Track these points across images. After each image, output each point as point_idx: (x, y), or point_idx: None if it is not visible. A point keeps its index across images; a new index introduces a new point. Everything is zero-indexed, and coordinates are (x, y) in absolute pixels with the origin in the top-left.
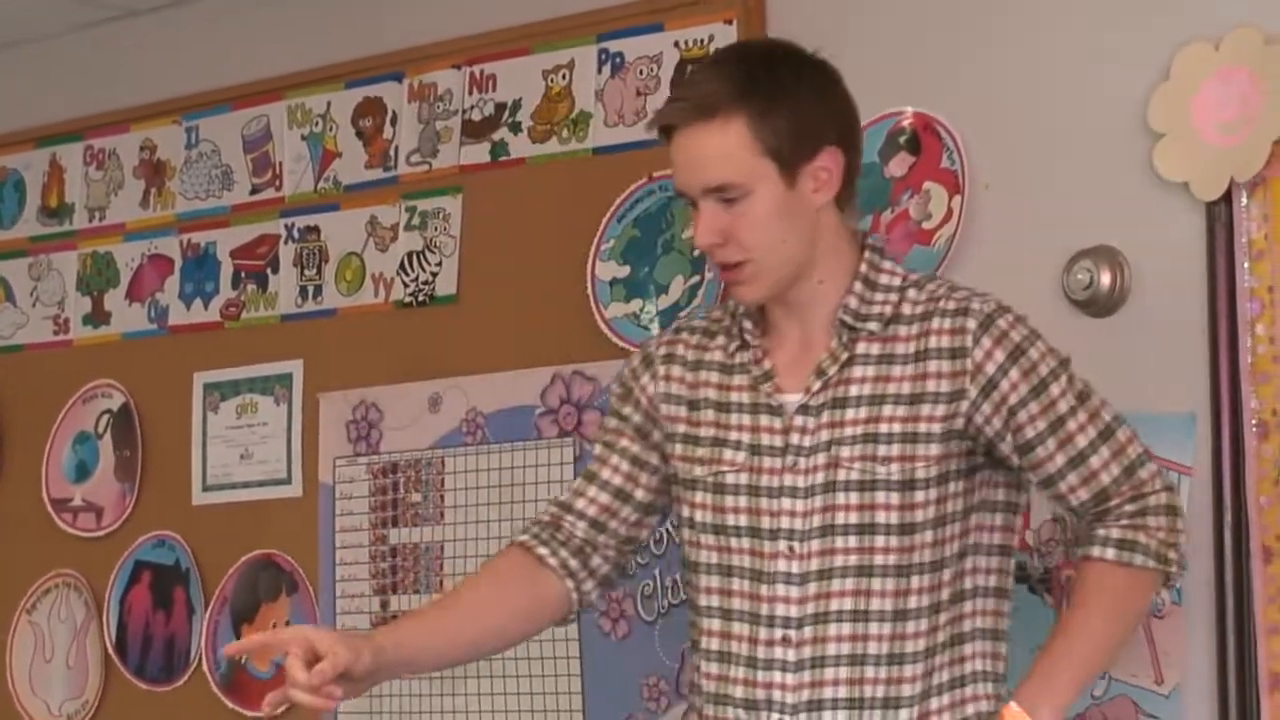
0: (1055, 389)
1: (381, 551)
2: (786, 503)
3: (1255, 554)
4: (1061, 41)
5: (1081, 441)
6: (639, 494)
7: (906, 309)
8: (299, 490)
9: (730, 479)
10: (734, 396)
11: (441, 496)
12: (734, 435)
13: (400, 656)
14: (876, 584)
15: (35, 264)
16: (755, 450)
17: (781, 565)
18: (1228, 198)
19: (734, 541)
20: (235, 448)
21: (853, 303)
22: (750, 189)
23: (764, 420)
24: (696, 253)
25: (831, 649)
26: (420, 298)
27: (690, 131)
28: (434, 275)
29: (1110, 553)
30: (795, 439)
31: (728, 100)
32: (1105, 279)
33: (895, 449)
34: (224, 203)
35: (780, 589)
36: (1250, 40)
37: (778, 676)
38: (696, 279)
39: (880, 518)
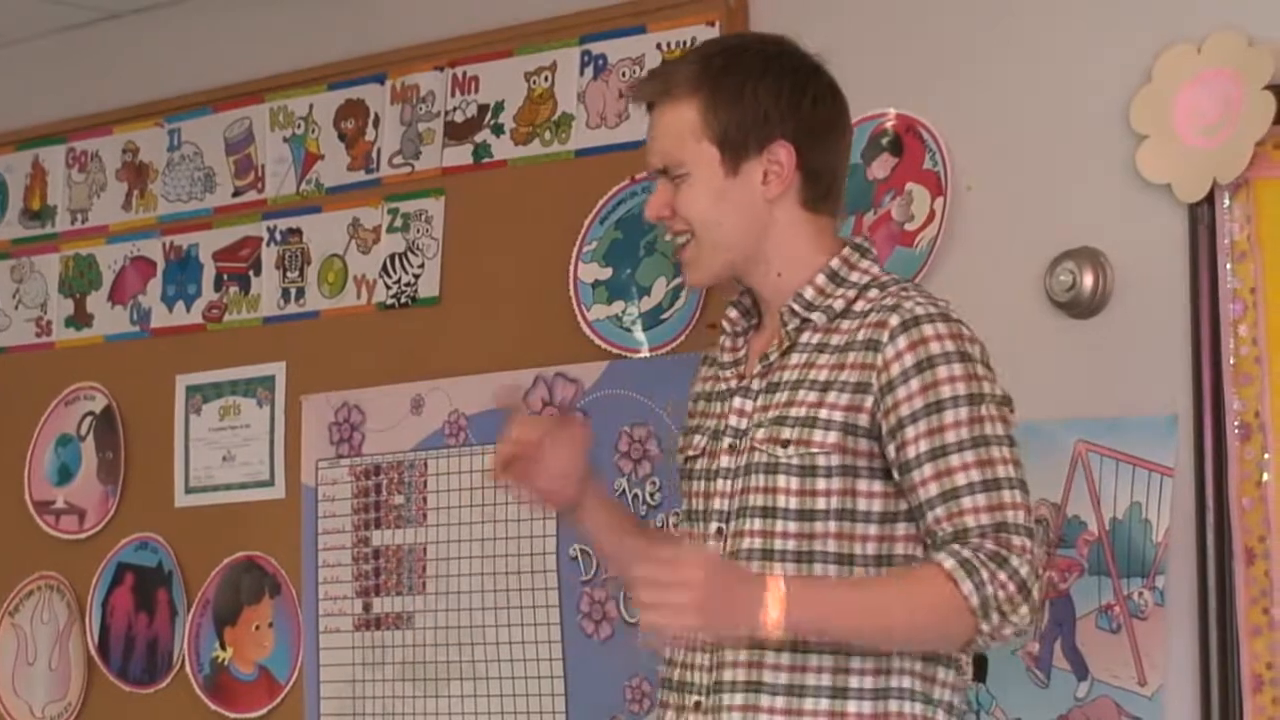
0: (950, 416)
1: (364, 553)
2: (720, 484)
3: (1238, 555)
4: (1044, 44)
5: (960, 480)
6: None
7: (859, 305)
8: (281, 492)
9: (695, 465)
10: (717, 387)
11: (424, 498)
12: (703, 422)
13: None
14: (777, 568)
15: (17, 266)
16: (714, 435)
17: (712, 546)
18: (1210, 199)
19: (695, 526)
20: (218, 450)
21: (808, 293)
22: (689, 171)
23: (716, 407)
24: None
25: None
26: (403, 299)
27: (656, 112)
28: (416, 277)
29: (949, 562)
30: (732, 421)
31: (685, 84)
32: (1088, 280)
33: (795, 433)
34: (206, 205)
35: None
36: (1232, 42)
37: (696, 657)
38: (679, 281)
39: (780, 501)
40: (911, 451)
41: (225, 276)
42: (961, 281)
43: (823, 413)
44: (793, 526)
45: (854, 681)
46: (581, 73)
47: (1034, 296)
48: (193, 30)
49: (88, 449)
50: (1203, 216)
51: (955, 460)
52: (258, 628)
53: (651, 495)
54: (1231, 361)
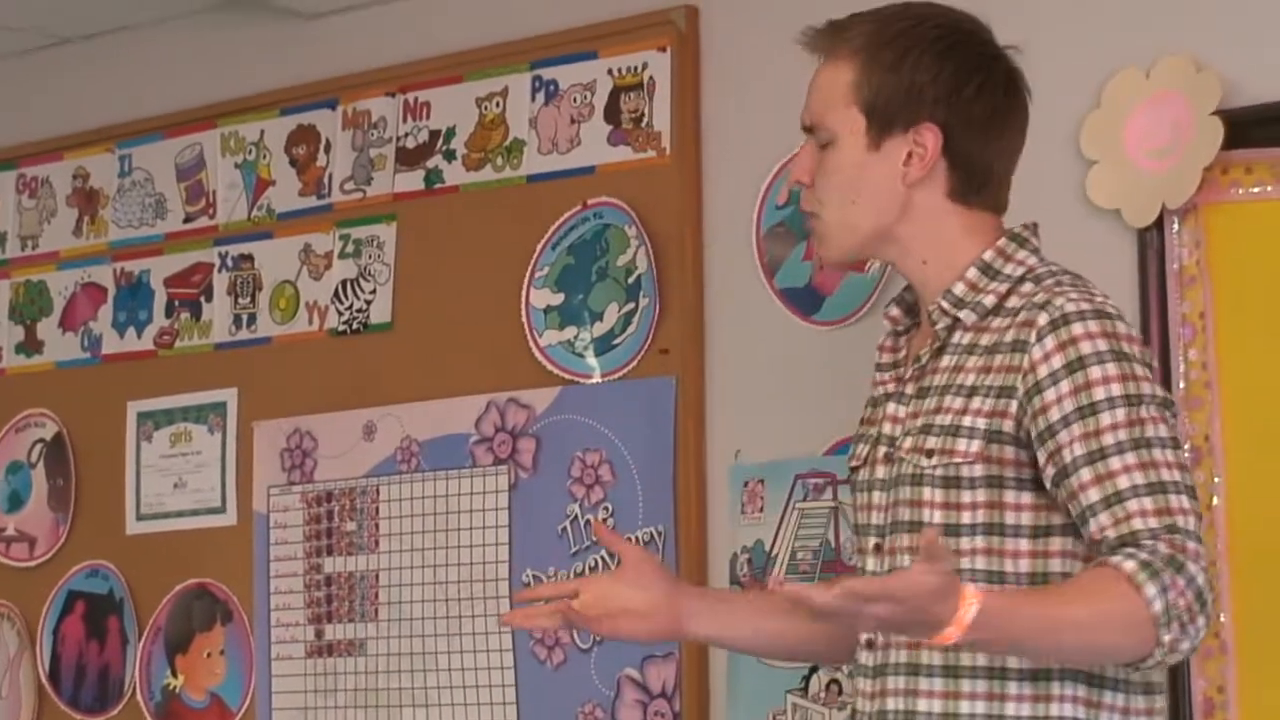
0: (1106, 419)
1: (316, 580)
2: (876, 496)
3: None
4: None
5: (1123, 483)
6: None
7: (1012, 301)
8: (233, 519)
9: (857, 475)
10: (876, 391)
11: (376, 525)
12: (867, 430)
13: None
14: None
15: None
16: (873, 443)
17: (870, 564)
18: (1159, 224)
19: (861, 540)
20: (169, 477)
21: (958, 289)
22: (835, 136)
23: (877, 413)
24: (631, 280)
25: (892, 657)
26: (354, 325)
27: (819, 69)
28: (368, 303)
29: (1129, 565)
30: (886, 429)
31: (848, 45)
32: None
33: (939, 441)
34: (157, 231)
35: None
36: (1181, 67)
37: (860, 683)
38: (631, 306)
39: (926, 515)
40: (1066, 456)
41: (177, 303)
42: None
43: (966, 420)
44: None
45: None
46: (533, 98)
47: None
48: (143, 56)
49: (38, 476)
50: (1152, 241)
51: (1116, 463)
52: (209, 655)
53: (604, 521)
54: (1181, 386)
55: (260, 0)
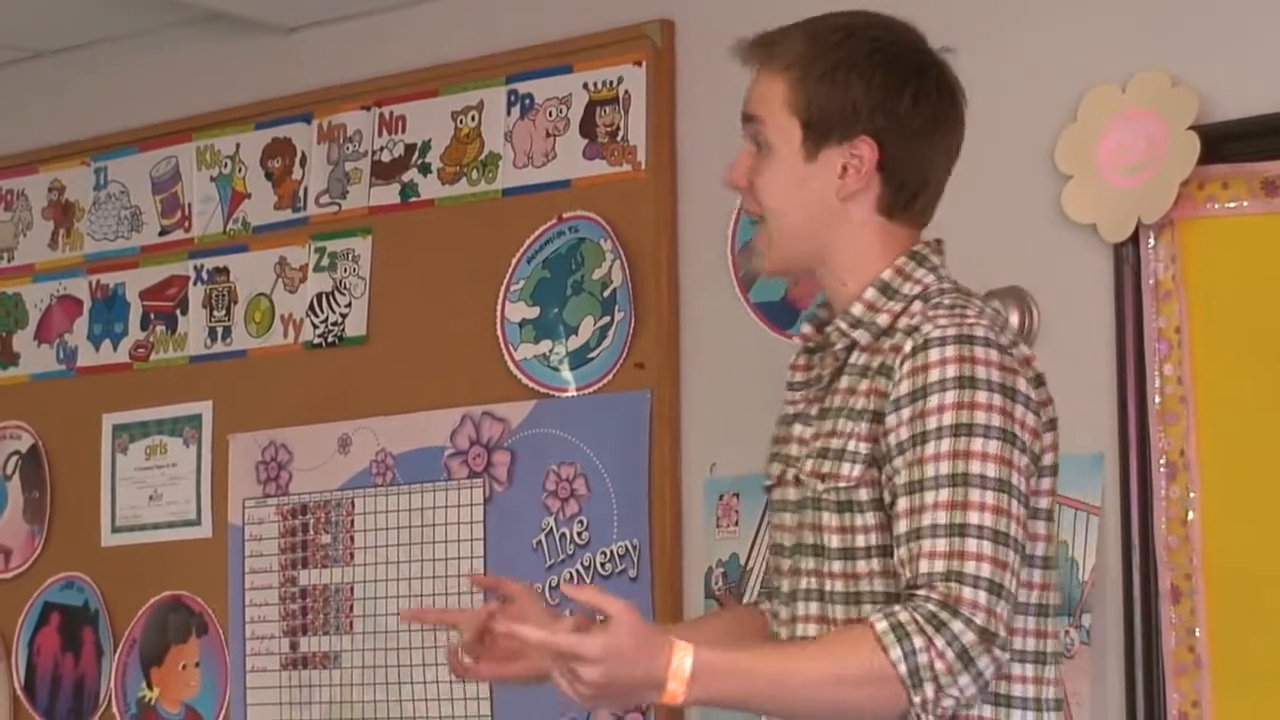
0: (931, 449)
1: (291, 593)
2: (787, 517)
3: (1164, 594)
4: (969, 83)
5: (926, 520)
6: None
7: (904, 321)
8: (208, 531)
9: (772, 495)
10: (787, 410)
11: (351, 537)
12: (780, 449)
13: None
14: (830, 611)
15: None
16: (786, 463)
17: (785, 584)
18: (1135, 239)
19: (774, 560)
20: (144, 489)
21: (856, 309)
22: (772, 139)
23: (787, 432)
24: (606, 293)
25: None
26: (330, 339)
27: (757, 73)
28: (343, 316)
29: (880, 625)
30: (793, 449)
31: (783, 56)
32: (1014, 320)
33: (831, 466)
34: (133, 244)
35: (780, 609)
36: (1157, 82)
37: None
38: (606, 320)
39: (824, 539)
40: (897, 483)
41: (152, 315)
42: None
43: (851, 444)
44: (837, 566)
45: None
46: (508, 112)
47: None
48: (119, 69)
49: (14, 488)
50: (1128, 256)
51: (929, 498)
52: (184, 667)
53: (579, 535)
54: (1157, 400)
55: (236, 14)
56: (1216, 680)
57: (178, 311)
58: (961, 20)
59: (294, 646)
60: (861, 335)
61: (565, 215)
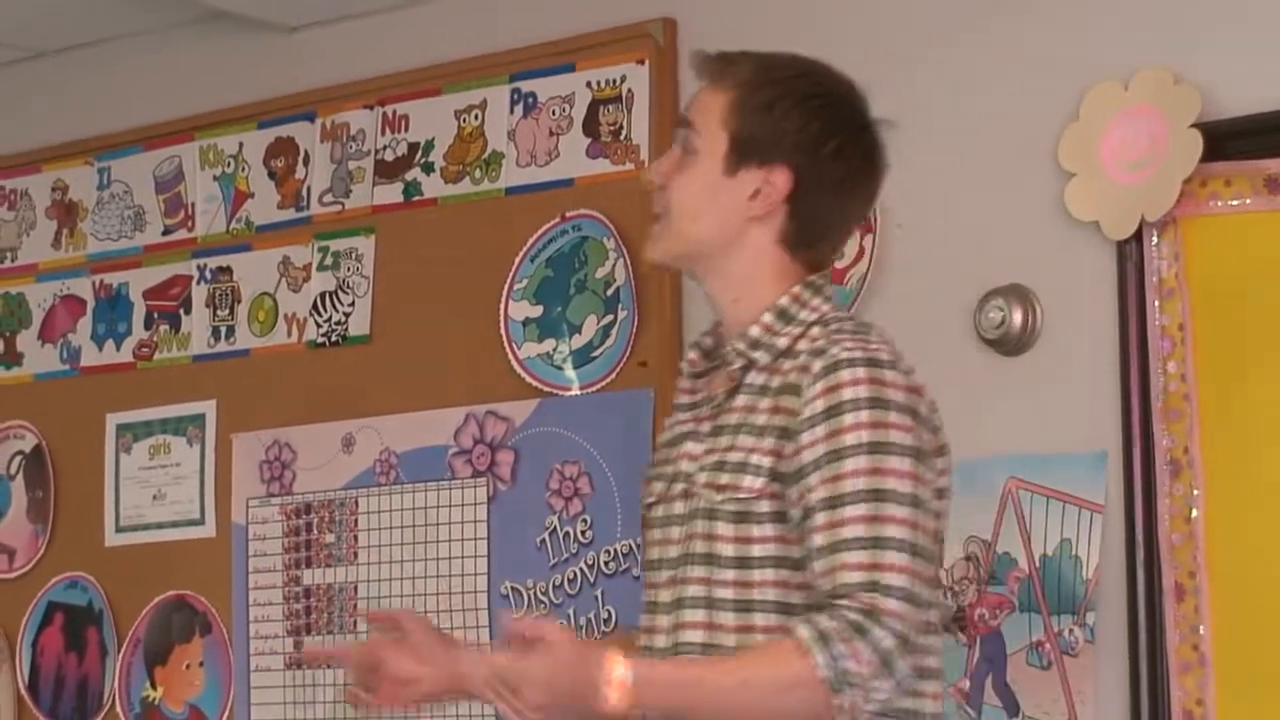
0: (849, 465)
1: (295, 592)
2: (674, 531)
3: (1168, 592)
4: (972, 81)
5: (846, 533)
6: None
7: (802, 344)
8: (212, 531)
9: (653, 512)
10: (675, 431)
11: (355, 537)
12: (663, 469)
13: None
14: (717, 618)
15: None
16: (670, 480)
17: (663, 595)
18: (1138, 237)
19: (651, 575)
20: (148, 489)
21: (754, 332)
22: (699, 147)
23: (674, 452)
24: (609, 292)
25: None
26: (333, 338)
27: (703, 87)
28: (347, 315)
29: (804, 632)
30: (684, 466)
31: (733, 76)
32: (1017, 318)
33: (730, 478)
34: (136, 243)
35: (659, 619)
36: (1159, 80)
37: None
38: (610, 318)
39: (718, 548)
40: (811, 499)
41: (155, 315)
42: (891, 319)
43: (754, 458)
44: (731, 575)
45: None
46: (511, 111)
47: (964, 333)
48: (122, 69)
49: (17, 488)
50: (1131, 254)
51: (848, 512)
52: (188, 667)
53: (583, 533)
54: (1160, 398)
55: (239, 13)
56: (1220, 678)
57: (181, 311)
58: (964, 17)
59: (298, 646)
60: (761, 356)
61: (568, 214)
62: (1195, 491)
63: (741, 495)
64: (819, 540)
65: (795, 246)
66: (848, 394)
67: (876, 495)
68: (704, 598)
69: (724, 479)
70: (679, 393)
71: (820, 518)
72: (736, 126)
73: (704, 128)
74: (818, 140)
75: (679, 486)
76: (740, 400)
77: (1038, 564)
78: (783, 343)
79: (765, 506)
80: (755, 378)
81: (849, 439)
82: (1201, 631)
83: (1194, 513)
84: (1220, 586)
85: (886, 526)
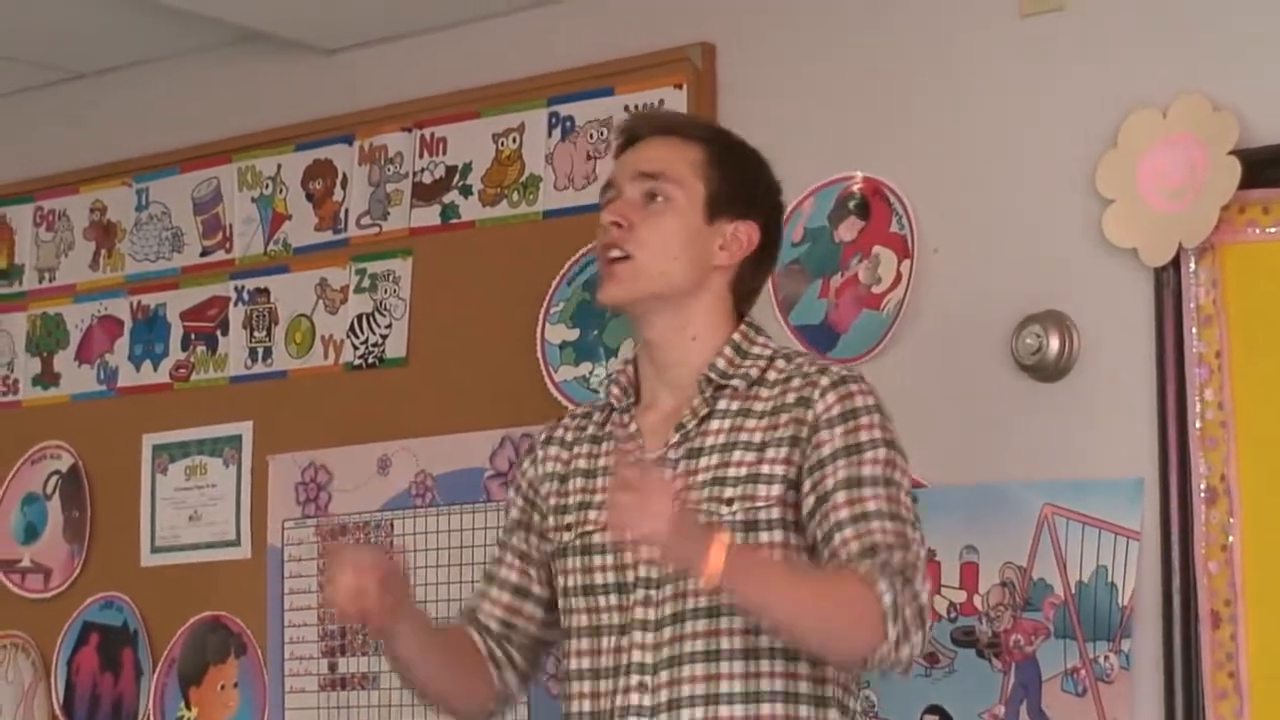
0: (869, 456)
1: (330, 614)
2: (646, 551)
3: (1204, 619)
4: (1011, 108)
5: (871, 506)
6: (535, 589)
7: (772, 374)
8: (248, 552)
9: (597, 538)
10: (601, 462)
11: (391, 558)
12: (599, 497)
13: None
14: (725, 623)
15: None
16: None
17: (639, 614)
18: (1176, 264)
19: (602, 600)
20: (184, 509)
21: (720, 363)
22: (674, 194)
23: (593, 481)
24: None
25: (686, 690)
26: (370, 360)
27: (649, 142)
28: (384, 337)
29: (863, 566)
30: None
31: (694, 131)
32: (1054, 344)
33: (738, 490)
34: (174, 265)
35: (636, 636)
36: (1197, 107)
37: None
38: None
39: None
40: (829, 484)
41: (192, 336)
42: (928, 344)
43: (764, 469)
44: None
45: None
46: (549, 134)
47: (1000, 359)
48: (160, 90)
49: (54, 508)
50: (1168, 280)
51: (868, 491)
52: (223, 688)
53: None
54: (1197, 425)
55: (277, 35)
56: (1256, 706)
57: (218, 332)
58: (1003, 45)
59: (332, 668)
60: (738, 383)
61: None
62: (1231, 519)
63: (758, 504)
64: (843, 514)
65: (739, 297)
66: (860, 401)
67: (891, 483)
68: (705, 608)
69: (729, 492)
70: (586, 426)
71: (841, 496)
72: (714, 178)
73: (678, 176)
74: (777, 211)
75: None
76: (715, 424)
77: (1073, 590)
78: (754, 372)
79: (775, 514)
80: (730, 404)
81: (865, 435)
82: (1237, 659)
83: (1230, 540)
84: (1256, 614)
85: (901, 509)
